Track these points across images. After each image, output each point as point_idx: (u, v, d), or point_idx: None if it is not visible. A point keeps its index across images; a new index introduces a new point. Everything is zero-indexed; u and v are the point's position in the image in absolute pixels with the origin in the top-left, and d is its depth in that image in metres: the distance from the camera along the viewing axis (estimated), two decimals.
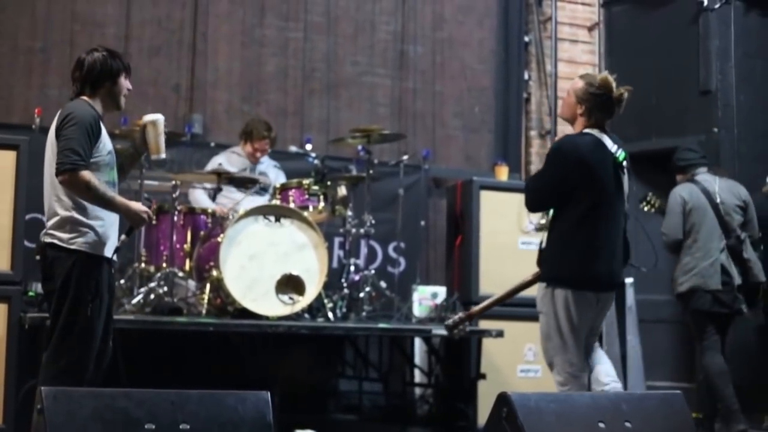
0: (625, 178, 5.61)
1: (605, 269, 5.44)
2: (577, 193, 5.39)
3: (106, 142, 5.01)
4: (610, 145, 5.55)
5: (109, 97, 5.10)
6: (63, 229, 4.89)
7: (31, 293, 6.65)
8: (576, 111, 5.61)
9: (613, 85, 5.59)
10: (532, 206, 5.80)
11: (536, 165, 9.99)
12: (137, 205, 5.05)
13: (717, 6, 8.90)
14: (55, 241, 4.89)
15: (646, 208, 7.60)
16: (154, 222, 7.09)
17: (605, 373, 5.63)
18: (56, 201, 4.95)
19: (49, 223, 4.96)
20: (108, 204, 4.91)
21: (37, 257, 5.06)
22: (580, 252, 5.41)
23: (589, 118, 5.58)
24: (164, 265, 7.23)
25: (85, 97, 5.05)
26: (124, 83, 5.16)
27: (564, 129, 9.98)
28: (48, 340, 4.97)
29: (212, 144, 8.59)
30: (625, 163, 5.61)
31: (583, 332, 5.44)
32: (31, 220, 7.24)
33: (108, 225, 4.99)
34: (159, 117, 5.29)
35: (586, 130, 5.56)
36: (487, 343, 7.44)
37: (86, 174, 4.79)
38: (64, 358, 4.88)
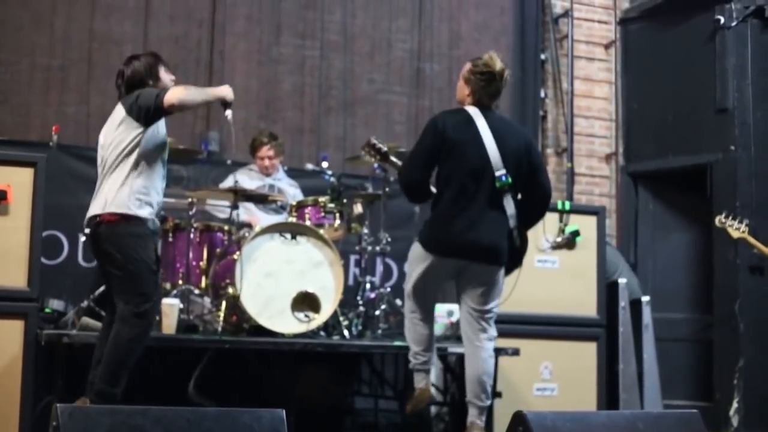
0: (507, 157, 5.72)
1: (448, 238, 5.69)
2: (441, 162, 5.69)
3: (161, 126, 5.55)
4: (482, 123, 5.69)
5: None
6: None
7: (47, 310, 6.66)
8: (464, 92, 5.89)
9: (496, 63, 5.81)
10: (403, 181, 5.93)
11: (552, 182, 9.91)
12: (217, 90, 5.73)
13: (734, 24, 8.89)
14: None
15: None
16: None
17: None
18: None
19: None
20: (201, 97, 5.66)
21: None
22: (432, 219, 5.82)
23: (473, 98, 5.82)
24: (180, 282, 7.24)
25: None
26: (166, 76, 5.68)
27: (580, 147, 10.02)
28: None
29: (228, 161, 8.60)
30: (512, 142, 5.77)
31: (429, 290, 5.87)
32: (48, 237, 7.29)
33: None
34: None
35: (465, 107, 5.81)
36: (503, 361, 7.41)
37: (173, 90, 5.38)
38: None
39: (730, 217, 7.49)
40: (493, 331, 5.93)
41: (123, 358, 5.32)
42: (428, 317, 5.97)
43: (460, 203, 5.65)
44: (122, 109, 5.46)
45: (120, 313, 5.37)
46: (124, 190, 5.38)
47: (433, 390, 5.99)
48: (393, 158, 6.43)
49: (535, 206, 5.91)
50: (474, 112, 5.75)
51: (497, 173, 5.64)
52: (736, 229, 7.46)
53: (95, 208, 5.46)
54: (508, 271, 5.96)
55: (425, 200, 6.02)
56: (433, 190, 5.89)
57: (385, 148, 6.46)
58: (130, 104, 5.43)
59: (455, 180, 5.65)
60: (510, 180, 5.66)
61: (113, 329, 5.36)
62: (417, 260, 5.83)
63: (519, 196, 5.82)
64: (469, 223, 5.64)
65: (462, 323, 5.97)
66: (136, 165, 5.42)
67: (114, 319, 5.44)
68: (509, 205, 5.72)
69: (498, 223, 5.71)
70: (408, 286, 5.95)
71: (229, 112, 5.65)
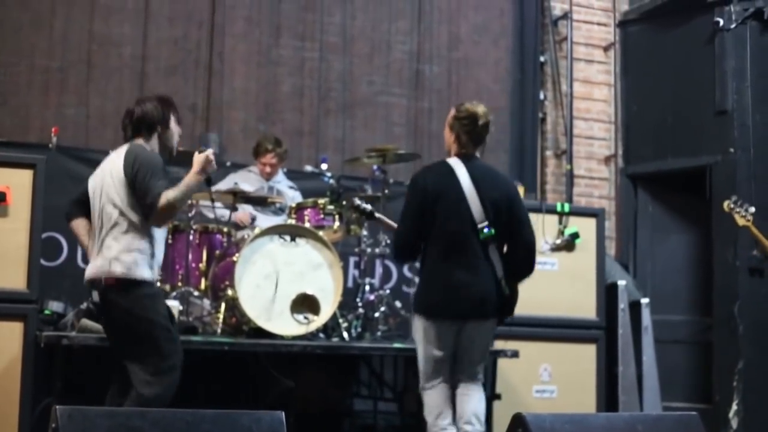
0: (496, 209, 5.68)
1: (442, 298, 5.62)
2: (426, 222, 5.62)
3: None
4: (462, 173, 5.65)
5: (161, 141, 5.52)
6: None
7: (46, 311, 6.66)
8: (450, 139, 5.85)
9: (478, 107, 5.80)
10: (395, 247, 5.90)
11: (552, 185, 9.99)
12: (196, 165, 5.42)
13: (733, 26, 8.89)
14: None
15: None
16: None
17: (469, 414, 5.78)
18: None
19: None
20: (189, 194, 5.38)
21: None
22: (423, 281, 5.79)
23: (458, 146, 5.79)
24: (180, 284, 7.24)
25: (140, 141, 5.42)
26: (176, 128, 5.58)
27: (580, 149, 10.03)
28: None
29: (228, 163, 8.60)
30: (494, 193, 5.70)
31: (438, 358, 5.71)
32: (47, 238, 7.28)
33: None
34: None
35: (447, 159, 5.77)
36: (502, 363, 7.41)
37: (162, 200, 5.12)
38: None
39: (738, 203, 7.45)
40: (482, 375, 5.92)
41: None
42: (440, 388, 5.80)
43: (448, 259, 5.62)
44: (122, 167, 5.24)
45: (137, 378, 5.18)
46: (130, 252, 5.21)
47: None
48: (378, 215, 6.43)
49: (520, 261, 5.80)
50: (455, 162, 5.71)
51: (480, 225, 5.61)
52: (742, 217, 7.41)
53: (99, 269, 5.25)
54: (499, 322, 5.89)
55: (417, 257, 5.93)
56: None
57: (369, 208, 6.43)
58: (130, 172, 5.21)
59: (440, 235, 5.62)
60: (493, 231, 5.62)
61: (132, 395, 5.17)
62: (422, 332, 5.74)
63: (505, 248, 5.78)
64: (459, 280, 5.60)
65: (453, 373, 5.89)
66: (139, 225, 5.25)
67: (121, 389, 5.30)
68: (495, 256, 5.67)
69: (487, 275, 5.66)
70: (423, 363, 5.79)
71: (212, 188, 5.75)
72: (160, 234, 5.40)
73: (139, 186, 5.16)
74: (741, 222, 7.42)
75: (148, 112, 5.46)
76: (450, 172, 5.68)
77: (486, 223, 5.61)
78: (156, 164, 5.25)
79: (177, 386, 5.30)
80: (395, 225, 6.23)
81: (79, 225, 5.57)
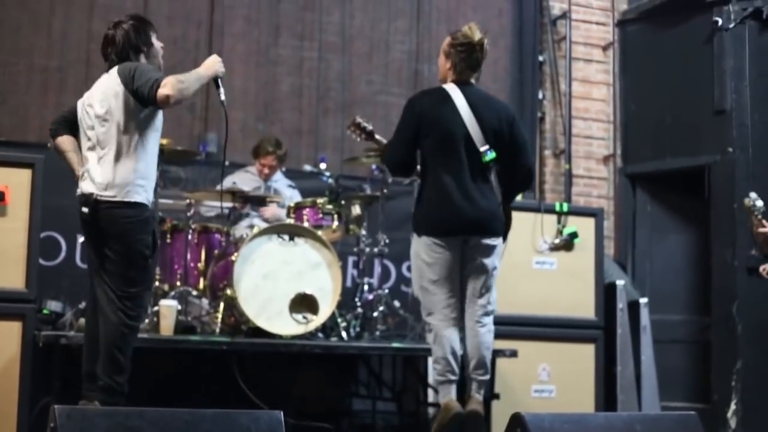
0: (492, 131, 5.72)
1: (446, 214, 5.64)
2: (421, 142, 5.68)
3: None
4: (459, 99, 5.68)
5: (147, 60, 5.37)
6: None
7: (45, 311, 6.66)
8: (446, 67, 5.87)
9: (475, 33, 5.78)
10: (388, 162, 6.02)
11: (550, 184, 9.99)
12: (206, 64, 5.36)
13: (732, 25, 8.89)
14: None
15: None
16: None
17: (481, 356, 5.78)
18: None
19: None
20: (197, 83, 5.22)
21: None
22: (424, 200, 5.77)
23: (455, 72, 5.81)
24: (178, 283, 7.24)
25: None
26: (157, 43, 5.46)
27: (578, 149, 10.03)
28: None
29: (227, 163, 8.59)
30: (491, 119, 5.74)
31: (443, 279, 5.69)
32: (45, 238, 7.28)
33: None
34: None
35: (443, 85, 5.80)
36: (501, 363, 7.41)
37: (167, 85, 4.98)
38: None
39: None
40: (490, 305, 5.86)
41: (119, 345, 5.07)
42: (449, 318, 5.76)
43: (447, 180, 5.63)
44: (118, 81, 5.12)
45: (107, 298, 5.11)
46: (126, 172, 5.10)
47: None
48: (378, 137, 6.52)
49: (517, 183, 5.90)
50: (451, 88, 5.74)
51: (481, 149, 5.64)
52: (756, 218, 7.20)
53: (92, 185, 5.16)
54: (504, 238, 5.91)
55: (411, 174, 6.00)
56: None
57: (370, 127, 6.53)
58: (126, 79, 5.10)
59: (439, 158, 5.65)
60: (494, 155, 5.65)
61: (102, 318, 5.13)
62: (420, 252, 5.75)
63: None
64: (462, 197, 5.62)
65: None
66: (135, 145, 5.14)
67: (96, 307, 5.24)
68: (495, 180, 5.72)
69: (490, 195, 5.71)
70: (417, 285, 5.84)
71: (221, 91, 5.41)
72: (152, 155, 5.25)
73: (139, 80, 5.03)
74: (747, 203, 7.21)
75: (129, 33, 5.31)
76: (447, 97, 5.71)
77: (487, 147, 5.64)
78: (152, 68, 5.22)
79: (144, 315, 5.44)
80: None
81: (65, 141, 5.42)
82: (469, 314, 5.81)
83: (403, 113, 5.85)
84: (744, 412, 8.39)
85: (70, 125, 5.42)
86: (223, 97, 5.38)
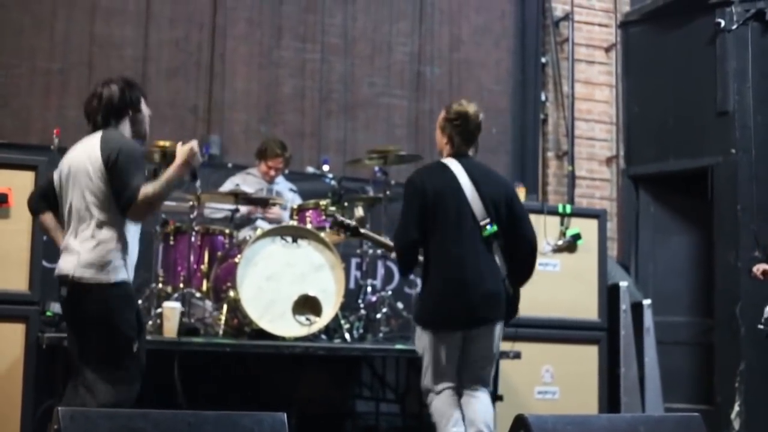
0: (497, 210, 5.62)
1: (450, 308, 5.52)
2: (427, 219, 5.53)
3: None
4: (460, 172, 5.60)
5: (133, 126, 5.09)
6: None
7: (48, 313, 6.66)
8: (443, 141, 5.78)
9: (469, 107, 5.71)
10: (401, 246, 5.68)
11: (553, 186, 9.99)
12: (179, 158, 4.97)
13: (734, 27, 8.88)
14: None
15: None
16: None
17: (480, 422, 5.65)
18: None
19: None
20: (170, 190, 4.96)
21: None
22: (426, 291, 5.66)
23: (452, 146, 5.72)
24: (181, 285, 7.23)
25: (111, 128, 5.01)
26: (146, 110, 5.15)
27: (581, 150, 10.03)
28: None
29: (229, 165, 8.61)
30: (494, 195, 5.64)
31: (445, 366, 5.59)
32: (48, 240, 7.27)
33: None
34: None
35: (442, 159, 5.71)
36: (504, 364, 7.40)
37: (141, 195, 4.75)
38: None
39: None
40: (490, 381, 5.84)
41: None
42: (447, 394, 5.65)
43: (452, 261, 5.52)
44: (100, 159, 4.84)
45: (88, 382, 4.83)
46: (106, 249, 4.82)
47: None
48: (363, 230, 6.37)
49: (521, 260, 5.73)
50: (450, 162, 5.65)
51: (482, 222, 5.54)
52: None
53: (70, 263, 4.87)
54: (506, 323, 5.80)
55: (415, 266, 5.78)
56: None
57: (353, 223, 6.34)
58: (107, 161, 4.81)
59: (442, 237, 5.54)
60: (495, 228, 5.55)
61: (90, 394, 4.82)
62: (428, 343, 5.62)
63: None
64: (469, 278, 5.50)
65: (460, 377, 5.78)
66: (117, 220, 4.87)
67: (77, 389, 4.92)
68: (498, 254, 5.60)
69: (493, 273, 5.58)
70: (429, 376, 5.66)
71: (198, 184, 5.31)
72: (134, 230, 5.00)
73: (118, 179, 4.77)
74: None
75: (117, 94, 5.02)
76: (447, 171, 5.62)
77: (488, 220, 5.55)
78: (137, 155, 4.89)
79: (134, 398, 4.92)
80: (382, 239, 6.21)
81: (47, 219, 5.21)
82: (468, 389, 5.72)
83: (405, 193, 5.67)
84: (747, 413, 8.39)
85: (50, 199, 5.18)
86: (199, 192, 5.16)
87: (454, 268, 5.53)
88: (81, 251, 4.84)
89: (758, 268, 6.90)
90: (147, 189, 4.77)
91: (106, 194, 4.83)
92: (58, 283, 4.97)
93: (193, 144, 5.02)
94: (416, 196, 5.58)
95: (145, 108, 5.14)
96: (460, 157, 5.70)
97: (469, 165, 5.67)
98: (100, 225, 4.84)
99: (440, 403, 5.63)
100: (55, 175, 5.14)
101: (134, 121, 5.09)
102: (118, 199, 4.78)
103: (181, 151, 4.99)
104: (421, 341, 5.66)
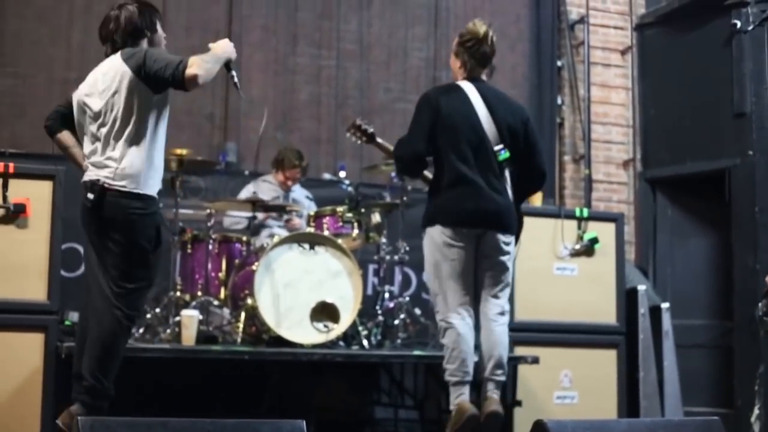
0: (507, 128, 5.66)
1: (465, 204, 5.51)
2: (437, 135, 5.55)
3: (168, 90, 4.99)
4: (475, 96, 5.63)
5: (150, 47, 5.06)
6: None
7: (67, 322, 6.68)
8: (456, 65, 5.81)
9: (480, 28, 5.74)
10: (402, 154, 5.77)
11: (570, 190, 9.97)
12: (216, 47, 5.02)
13: (750, 28, 8.84)
14: None
15: None
16: None
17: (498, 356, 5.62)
18: None
19: None
20: (218, 63, 4.93)
21: None
22: (440, 190, 5.62)
23: (465, 69, 5.75)
24: (199, 293, 7.26)
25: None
26: (161, 31, 5.17)
27: (598, 154, 10.01)
28: None
29: (246, 172, 8.63)
30: (507, 117, 5.69)
31: (459, 276, 5.55)
32: (67, 249, 7.30)
33: None
34: None
35: (457, 82, 5.74)
36: (523, 369, 7.40)
37: (194, 65, 4.73)
38: None
39: None
40: (506, 305, 5.74)
41: (108, 346, 4.88)
42: (465, 317, 5.60)
43: (463, 174, 5.51)
44: (125, 66, 4.83)
45: (102, 295, 4.90)
46: (137, 162, 4.85)
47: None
48: (379, 140, 6.44)
49: (529, 185, 5.85)
50: (466, 85, 5.68)
51: (496, 148, 5.57)
52: None
53: (100, 172, 4.91)
54: (517, 237, 5.82)
55: (420, 172, 5.87)
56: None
57: (371, 129, 6.44)
58: (137, 64, 4.80)
59: (454, 154, 5.53)
60: (508, 154, 5.57)
61: (95, 318, 4.94)
62: (436, 245, 5.59)
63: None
64: (477, 192, 5.50)
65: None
66: (146, 134, 4.87)
67: (89, 308, 5.05)
68: (509, 179, 5.63)
69: (505, 194, 5.61)
70: (433, 281, 5.67)
71: (234, 74, 5.08)
72: (162, 143, 5.01)
73: (157, 63, 4.75)
74: None
75: (134, 16, 5.02)
76: (461, 93, 5.64)
77: (502, 146, 5.57)
78: (164, 50, 4.94)
79: (138, 318, 5.13)
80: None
81: (65, 137, 5.22)
82: (484, 314, 5.66)
83: (417, 107, 5.71)
84: (767, 416, 8.35)
85: (67, 119, 5.19)
86: (236, 80, 5.11)
87: (465, 183, 5.52)
88: (112, 163, 4.86)
89: None
90: (199, 56, 4.79)
91: (137, 107, 4.84)
92: (83, 189, 4.99)
93: (226, 40, 5.10)
94: (428, 111, 5.61)
95: (160, 30, 5.16)
96: (474, 80, 5.72)
97: (483, 88, 5.70)
98: (130, 139, 4.85)
99: (454, 332, 5.57)
100: (75, 97, 5.11)
101: (151, 43, 5.09)
102: (169, 73, 4.72)
103: (222, 42, 5.05)
104: (429, 246, 5.63)
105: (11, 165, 6.33)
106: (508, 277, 5.75)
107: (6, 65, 8.40)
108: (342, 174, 7.98)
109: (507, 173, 5.65)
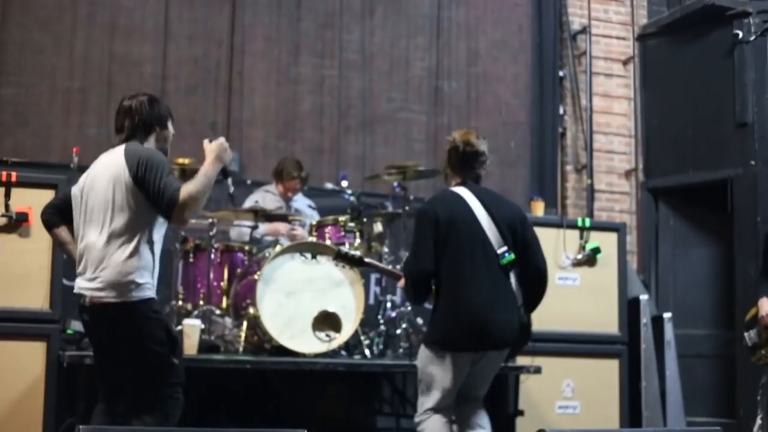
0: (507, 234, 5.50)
1: (464, 330, 5.38)
2: (440, 248, 5.40)
3: None
4: (472, 200, 5.50)
5: (157, 143, 4.94)
6: None
7: (69, 331, 6.68)
8: (447, 170, 5.72)
9: (461, 134, 5.63)
10: (412, 274, 5.49)
11: (572, 200, 9.97)
12: (210, 154, 4.84)
13: (752, 38, 8.86)
14: None
15: None
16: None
17: None
18: None
19: None
20: (210, 185, 4.73)
21: None
22: (439, 311, 5.48)
23: (456, 175, 5.65)
24: (201, 302, 7.25)
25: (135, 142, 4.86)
26: (171, 129, 5.05)
27: (600, 163, 10.01)
28: None
29: (248, 181, 8.63)
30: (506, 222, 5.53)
31: (447, 389, 5.46)
32: (69, 258, 7.30)
33: None
34: None
35: (451, 188, 5.62)
36: (525, 379, 7.39)
37: (183, 194, 4.55)
38: None
39: None
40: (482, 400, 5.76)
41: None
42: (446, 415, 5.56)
43: (467, 289, 5.39)
44: (125, 168, 4.66)
45: (135, 405, 4.67)
46: (130, 267, 4.61)
47: None
48: (368, 260, 5.92)
49: (530, 287, 5.58)
50: (461, 190, 5.56)
51: (500, 251, 5.43)
52: None
53: (91, 283, 4.69)
54: (519, 348, 5.74)
55: (429, 296, 5.59)
56: None
57: (358, 254, 5.91)
58: (134, 169, 4.63)
59: (457, 265, 5.41)
60: (513, 256, 5.43)
61: (134, 421, 4.63)
62: (433, 364, 5.49)
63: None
64: (483, 307, 5.38)
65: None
66: (143, 236, 4.66)
67: (107, 410, 4.81)
68: (515, 282, 5.49)
69: (509, 301, 5.47)
70: (430, 393, 5.52)
71: (230, 182, 5.03)
72: (157, 247, 4.76)
73: (152, 184, 4.56)
74: None
75: (147, 109, 4.93)
76: (459, 199, 5.51)
77: (506, 248, 5.43)
78: (164, 161, 4.69)
79: (182, 410, 4.78)
80: (389, 268, 6.05)
81: (63, 232, 5.07)
82: (468, 411, 5.68)
83: (417, 222, 5.54)
84: None
85: (65, 213, 5.04)
86: (231, 190, 5.07)
87: (467, 295, 5.39)
88: (110, 270, 4.63)
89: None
90: (188, 186, 4.60)
91: (132, 208, 4.64)
92: (78, 307, 4.80)
93: (222, 139, 4.93)
94: (429, 226, 5.43)
95: (170, 126, 5.05)
96: (467, 184, 5.60)
97: (478, 191, 5.57)
98: (127, 240, 4.63)
99: (433, 423, 5.50)
100: (74, 191, 5.00)
101: (159, 138, 4.97)
102: (159, 204, 4.56)
103: (211, 147, 4.87)
104: (425, 360, 5.53)
105: (14, 174, 6.33)
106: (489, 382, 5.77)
107: (9, 74, 8.41)
108: (344, 183, 7.98)
109: (513, 278, 5.49)
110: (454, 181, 5.66)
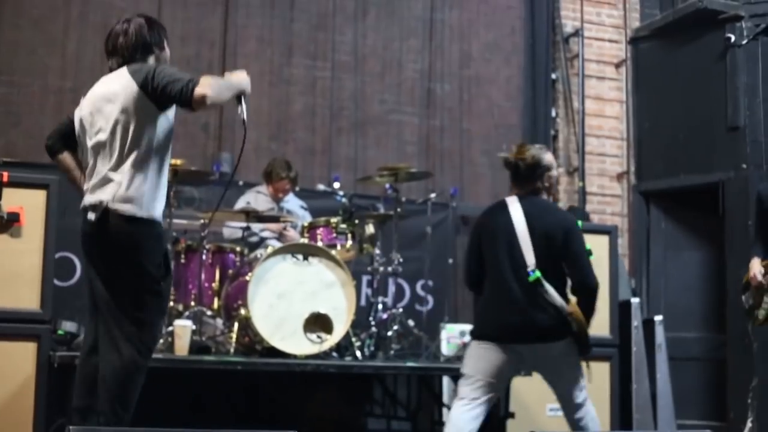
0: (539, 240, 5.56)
1: (490, 324, 5.65)
2: (482, 261, 5.74)
3: (172, 108, 4.72)
4: (515, 209, 5.64)
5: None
6: None
7: (60, 332, 6.66)
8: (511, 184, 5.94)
9: (515, 150, 5.88)
10: (466, 281, 6.03)
11: (564, 202, 9.98)
12: (239, 76, 4.89)
13: (744, 42, 8.89)
14: None
15: None
16: None
17: None
18: None
19: None
20: (229, 88, 4.78)
21: None
22: (479, 308, 5.89)
23: (513, 186, 5.87)
24: (193, 303, 7.24)
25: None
26: (168, 50, 4.97)
27: (592, 166, 10.03)
28: None
29: (240, 182, 8.62)
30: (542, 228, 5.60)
31: (467, 375, 5.65)
32: (60, 258, 7.29)
33: None
34: None
35: (505, 198, 5.83)
36: (516, 381, 7.38)
37: (204, 84, 4.50)
38: None
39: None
40: (581, 398, 5.85)
41: (127, 383, 4.58)
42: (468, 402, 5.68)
43: (496, 291, 5.62)
44: (132, 81, 4.61)
45: (111, 334, 4.58)
46: (142, 185, 4.56)
47: None
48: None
49: (578, 297, 5.67)
50: (510, 200, 5.71)
51: (528, 269, 5.51)
52: None
53: (106, 194, 4.59)
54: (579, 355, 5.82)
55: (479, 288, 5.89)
56: None
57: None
58: (144, 79, 4.55)
59: (492, 268, 5.65)
60: (538, 274, 5.48)
61: (108, 356, 4.58)
62: (475, 354, 5.72)
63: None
64: (505, 309, 5.55)
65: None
66: (151, 155, 4.60)
67: (94, 345, 4.74)
68: (549, 288, 5.51)
69: (536, 305, 5.52)
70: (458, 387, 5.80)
71: (244, 108, 4.91)
72: (167, 164, 4.73)
73: (165, 79, 4.50)
74: None
75: (143, 31, 4.83)
76: (503, 208, 5.68)
77: (533, 266, 5.50)
78: (174, 67, 4.63)
79: (154, 349, 4.75)
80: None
81: (66, 158, 5.00)
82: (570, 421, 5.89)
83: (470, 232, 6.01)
84: (760, 429, 8.35)
85: (68, 139, 5.00)
86: (245, 116, 4.93)
87: (500, 299, 5.60)
88: (118, 183, 4.56)
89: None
90: (211, 76, 4.60)
91: (143, 126, 4.58)
92: (84, 212, 4.69)
93: (245, 73, 4.91)
94: (472, 235, 5.86)
95: (167, 47, 4.96)
96: (520, 197, 5.72)
97: (527, 203, 5.66)
98: (135, 160, 4.57)
99: (453, 412, 5.66)
100: (77, 115, 4.95)
101: (158, 59, 4.87)
102: (173, 91, 4.48)
103: (238, 73, 4.90)
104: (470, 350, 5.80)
105: (5, 174, 6.30)
106: (577, 393, 5.87)
107: (1, 74, 8.40)
108: (336, 185, 7.97)
109: (545, 287, 5.52)
110: (513, 192, 5.83)
